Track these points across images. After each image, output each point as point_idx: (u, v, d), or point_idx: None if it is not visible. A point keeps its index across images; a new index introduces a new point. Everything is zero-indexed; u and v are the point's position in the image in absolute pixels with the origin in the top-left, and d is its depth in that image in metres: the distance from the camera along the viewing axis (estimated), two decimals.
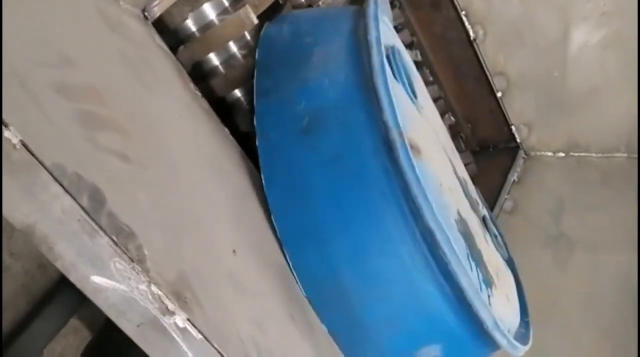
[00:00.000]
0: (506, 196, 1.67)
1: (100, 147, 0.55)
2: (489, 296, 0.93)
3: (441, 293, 0.84)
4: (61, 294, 1.72)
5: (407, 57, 1.12)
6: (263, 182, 0.90)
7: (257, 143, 0.91)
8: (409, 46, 1.53)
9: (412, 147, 0.82)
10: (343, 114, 0.87)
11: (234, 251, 0.71)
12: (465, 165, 1.64)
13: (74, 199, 0.48)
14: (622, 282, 1.39)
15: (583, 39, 1.56)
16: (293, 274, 0.87)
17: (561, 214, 1.62)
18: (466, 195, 1.09)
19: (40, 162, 0.46)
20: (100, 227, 0.49)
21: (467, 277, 0.82)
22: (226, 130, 0.96)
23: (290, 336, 0.76)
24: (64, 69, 0.56)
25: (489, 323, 0.85)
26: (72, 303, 1.72)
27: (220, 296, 0.63)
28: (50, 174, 0.47)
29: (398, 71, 0.95)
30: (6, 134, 0.45)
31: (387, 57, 0.90)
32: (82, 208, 0.48)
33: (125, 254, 0.51)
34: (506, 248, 1.20)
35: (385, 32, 0.94)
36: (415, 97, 1.00)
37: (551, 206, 1.65)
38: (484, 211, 1.18)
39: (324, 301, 0.87)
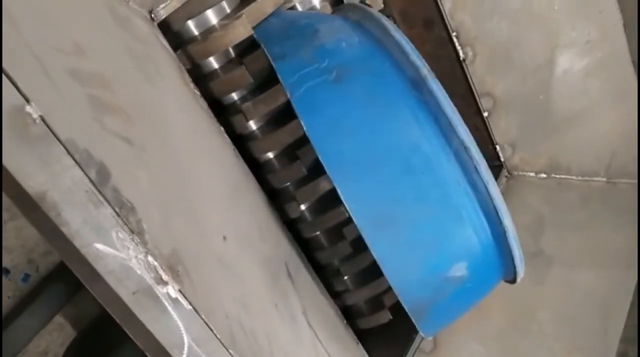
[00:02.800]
0: None
1: (106, 128, 0.60)
2: None
3: (472, 207, 0.96)
4: (48, 291, 1.75)
5: None
6: (303, 126, 0.95)
7: (289, 96, 0.97)
8: None
9: None
10: (369, 65, 0.99)
11: (224, 237, 0.76)
12: None
13: (84, 171, 0.53)
14: (595, 299, 1.44)
15: (568, 64, 1.60)
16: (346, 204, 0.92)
17: (541, 233, 1.66)
18: None
19: (56, 136, 0.51)
20: (106, 199, 0.54)
21: (498, 193, 0.95)
22: (222, 129, 1.02)
23: (273, 322, 0.80)
24: (78, 57, 0.61)
25: (509, 230, 0.96)
26: (58, 300, 1.74)
27: (209, 275, 0.67)
28: (64, 147, 0.52)
29: None
30: (27, 108, 0.50)
31: None
32: (90, 180, 0.53)
33: (127, 225, 0.55)
34: None
35: None
36: None
37: (531, 224, 1.68)
38: None
39: (375, 225, 0.95)
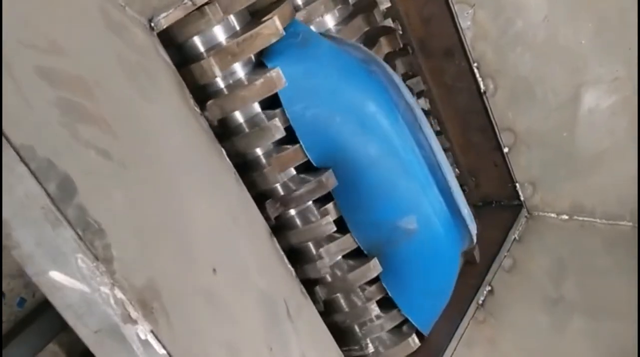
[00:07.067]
0: (506, 253, 1.63)
1: (79, 138, 0.52)
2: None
3: (418, 163, 1.11)
4: (43, 317, 1.68)
5: None
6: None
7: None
8: (419, 94, 1.52)
9: None
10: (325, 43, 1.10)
11: (214, 270, 0.67)
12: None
13: (40, 183, 0.44)
14: (620, 353, 1.34)
15: (594, 102, 1.55)
16: None
17: (561, 278, 1.58)
18: None
19: (8, 140, 0.43)
20: (66, 218, 0.45)
21: (440, 150, 1.12)
22: (223, 152, 0.94)
23: None
24: (52, 55, 0.54)
25: (452, 185, 1.14)
26: (53, 327, 1.68)
27: (192, 313, 0.58)
28: (17, 153, 0.43)
29: None
30: None
31: None
32: (48, 195, 0.45)
33: (90, 251, 0.47)
34: None
35: None
36: None
37: (552, 268, 1.61)
38: None
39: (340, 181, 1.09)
